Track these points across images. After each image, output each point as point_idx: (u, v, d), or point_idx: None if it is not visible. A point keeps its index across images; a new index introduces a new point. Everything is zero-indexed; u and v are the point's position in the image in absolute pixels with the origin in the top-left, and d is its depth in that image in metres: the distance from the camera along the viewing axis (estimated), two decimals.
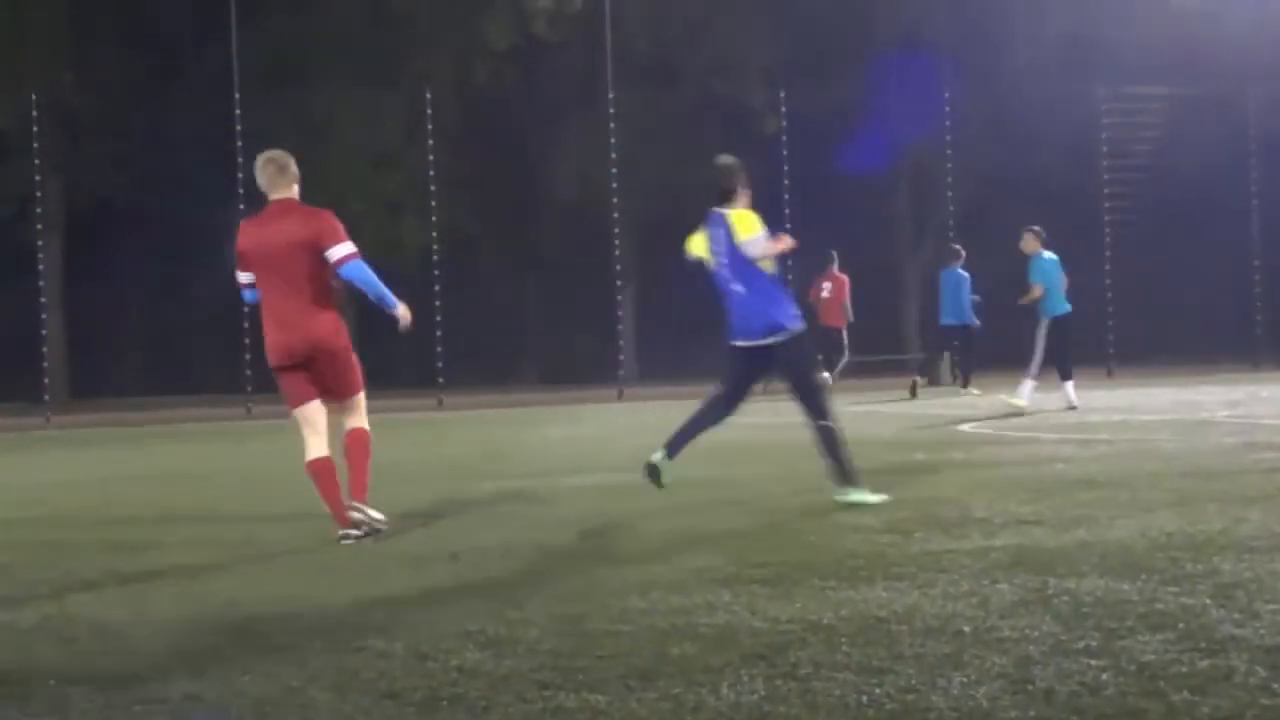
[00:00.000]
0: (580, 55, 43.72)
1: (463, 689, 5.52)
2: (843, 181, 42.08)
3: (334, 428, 10.70)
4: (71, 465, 20.55)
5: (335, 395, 10.75)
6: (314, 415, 10.63)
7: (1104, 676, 5.26)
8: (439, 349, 36.80)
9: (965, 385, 29.24)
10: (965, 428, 19.40)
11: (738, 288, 11.46)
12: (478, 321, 44.15)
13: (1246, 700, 4.90)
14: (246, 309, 11.77)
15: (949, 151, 39.86)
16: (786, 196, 38.08)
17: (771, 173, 37.67)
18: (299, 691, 5.59)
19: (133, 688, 5.75)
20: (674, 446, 11.76)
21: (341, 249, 10.51)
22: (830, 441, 11.22)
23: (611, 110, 37.86)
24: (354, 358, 10.78)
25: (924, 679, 5.32)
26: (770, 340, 11.34)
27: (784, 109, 39.43)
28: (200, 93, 41.37)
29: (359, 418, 10.85)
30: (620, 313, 39.83)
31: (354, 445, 10.79)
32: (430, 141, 37.74)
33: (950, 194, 40.06)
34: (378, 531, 10.34)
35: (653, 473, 11.70)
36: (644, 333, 47.10)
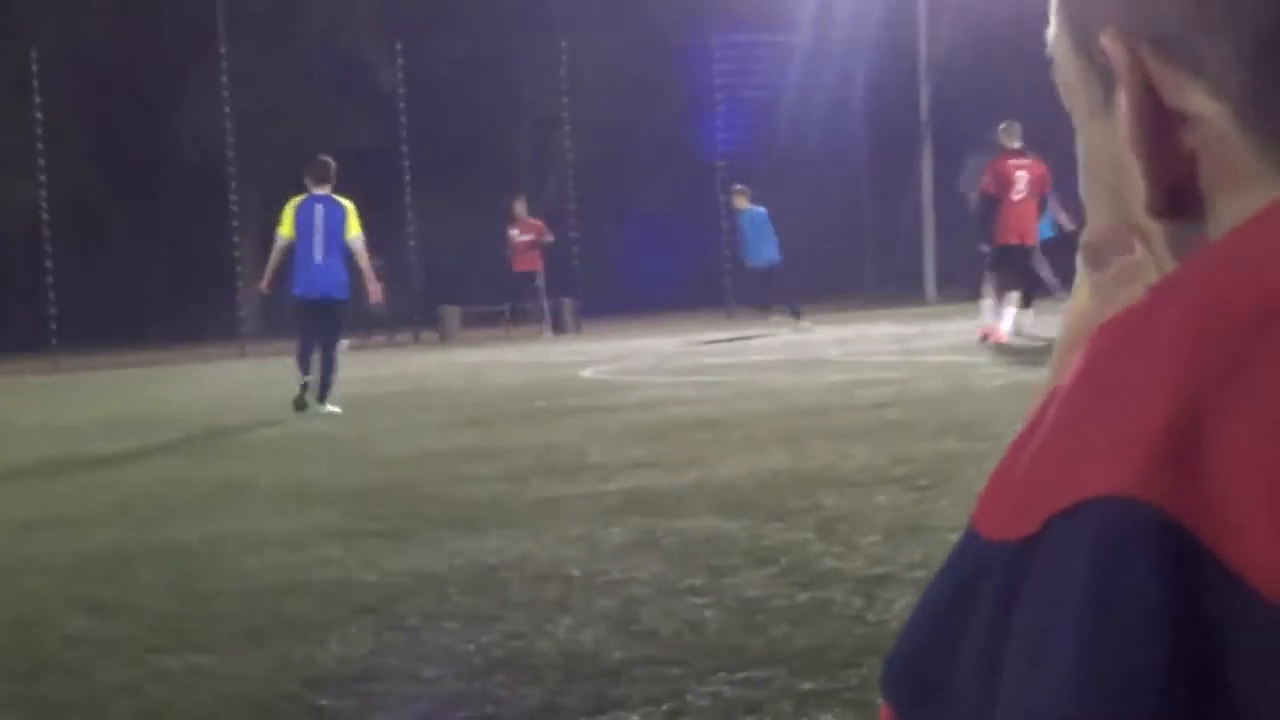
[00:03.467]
0: (195, 8, 42.79)
1: (67, 657, 5.41)
2: (463, 136, 41.98)
3: None
4: None
5: None
6: None
7: (707, 614, 5.37)
8: (52, 310, 35.76)
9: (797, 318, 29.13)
10: (586, 373, 19.57)
11: None
12: (96, 282, 43.00)
13: (842, 630, 5.05)
14: None
15: (565, 100, 40.09)
16: (405, 149, 37.92)
17: (390, 128, 37.53)
18: None
19: None
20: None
21: None
22: None
23: (224, 64, 37.19)
24: None
25: (532, 625, 5.37)
26: None
27: (401, 62, 39.16)
28: None
29: None
30: (239, 269, 39.18)
31: None
32: (37, 99, 36.57)
33: (569, 144, 40.30)
34: None
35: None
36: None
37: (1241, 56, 0.71)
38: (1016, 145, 20.90)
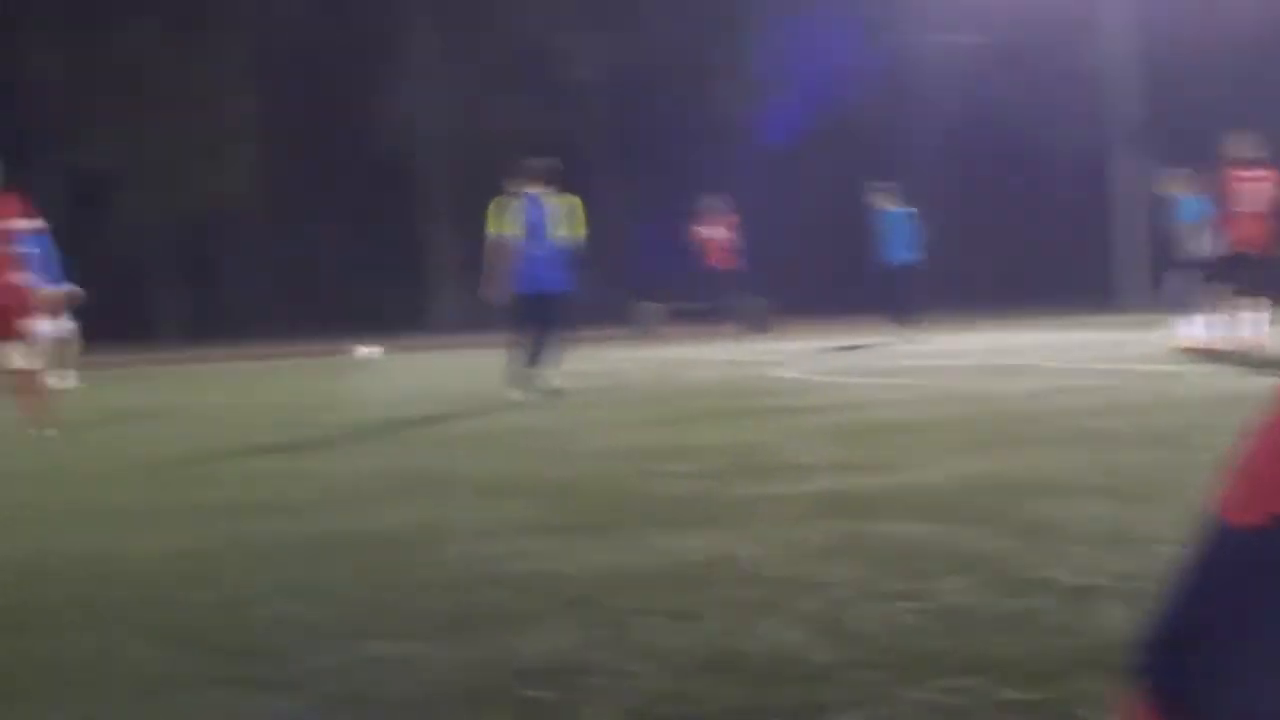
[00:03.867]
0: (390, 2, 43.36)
1: (276, 639, 5.48)
2: (657, 131, 42.05)
3: None
4: None
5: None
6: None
7: (911, 619, 5.33)
8: (249, 295, 36.47)
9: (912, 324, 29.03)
10: (781, 373, 19.54)
11: None
12: (299, 269, 43.74)
13: (1049, 640, 4.98)
14: None
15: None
16: (598, 142, 38.14)
17: (590, 120, 37.76)
18: (109, 644, 5.51)
19: None
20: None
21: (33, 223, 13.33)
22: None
23: (420, 57, 37.64)
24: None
25: (736, 624, 5.37)
26: None
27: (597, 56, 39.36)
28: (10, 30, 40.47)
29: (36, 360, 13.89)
30: (432, 259, 39.61)
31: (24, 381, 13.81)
32: (249, 88, 37.30)
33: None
34: None
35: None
36: (467, 281, 46.92)
37: None
38: (1248, 155, 20.48)
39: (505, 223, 16.41)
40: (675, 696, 4.58)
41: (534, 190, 16.48)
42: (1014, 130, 42.45)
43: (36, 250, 13.54)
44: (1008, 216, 44.34)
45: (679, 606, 5.69)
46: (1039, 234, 44.94)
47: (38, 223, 13.58)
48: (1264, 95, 37.06)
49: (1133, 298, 40.92)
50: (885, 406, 14.01)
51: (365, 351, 25.69)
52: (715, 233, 32.51)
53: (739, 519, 7.69)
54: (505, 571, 6.54)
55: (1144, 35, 41.01)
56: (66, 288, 13.83)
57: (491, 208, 16.63)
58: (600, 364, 23.77)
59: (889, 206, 30.18)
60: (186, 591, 6.40)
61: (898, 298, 29.71)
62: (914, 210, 30.10)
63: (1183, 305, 21.17)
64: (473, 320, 45.17)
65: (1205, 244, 21.03)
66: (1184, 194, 22.31)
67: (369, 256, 46.30)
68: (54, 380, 15.62)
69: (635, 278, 36.96)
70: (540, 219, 16.36)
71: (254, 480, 10.50)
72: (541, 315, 16.37)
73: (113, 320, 36.21)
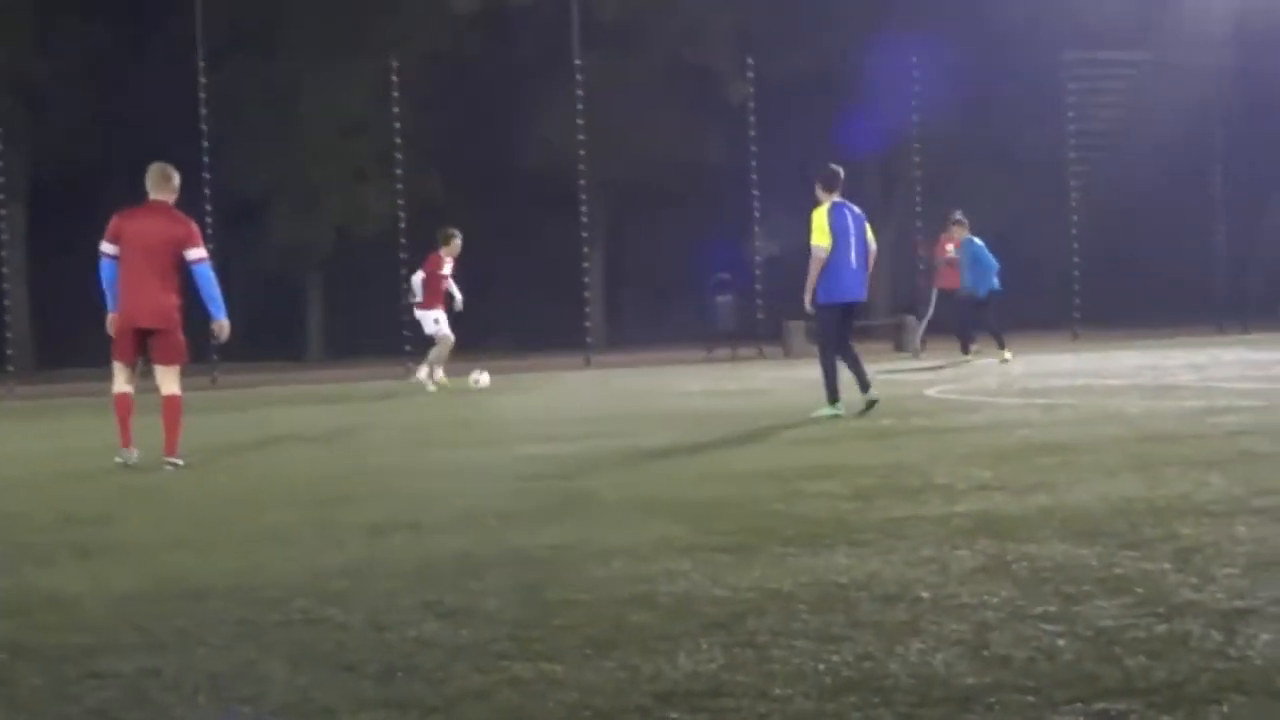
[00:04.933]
0: (547, 20, 43.56)
1: (420, 660, 5.49)
2: (810, 150, 41.98)
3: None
4: (31, 436, 20.45)
5: (160, 360, 13.70)
6: (126, 368, 13.84)
7: (1060, 642, 5.26)
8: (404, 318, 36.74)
9: (1001, 347, 28.65)
10: (931, 392, 19.39)
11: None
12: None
13: (1201, 664, 4.89)
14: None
15: (915, 118, 39.83)
16: (754, 164, 38.07)
17: (739, 140, 37.70)
18: (255, 665, 5.55)
19: (86, 662, 5.70)
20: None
21: (198, 251, 13.64)
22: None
23: (579, 77, 37.74)
24: (182, 336, 13.73)
25: (882, 646, 5.31)
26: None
27: (752, 75, 39.29)
28: (165, 61, 41.16)
29: (173, 384, 13.74)
30: (587, 279, 39.73)
31: (167, 407, 13.69)
32: (396, 109, 37.59)
33: (917, 159, 39.99)
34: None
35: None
36: (611, 300, 47.09)
37: None
38: None
39: (823, 233, 16.07)
40: (821, 719, 4.54)
41: (840, 199, 16.23)
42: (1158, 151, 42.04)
43: (201, 277, 13.62)
44: (1153, 235, 43.86)
45: (822, 628, 5.64)
46: (1188, 255, 44.35)
47: (200, 251, 13.65)
48: None
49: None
50: (1033, 427, 13.85)
51: (476, 377, 25.75)
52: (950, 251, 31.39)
53: (885, 540, 7.62)
54: (649, 592, 6.52)
55: None
56: (219, 320, 13.72)
57: (815, 218, 16.20)
58: (749, 383, 23.74)
59: (968, 236, 29.45)
60: (329, 611, 6.43)
61: (980, 323, 29.24)
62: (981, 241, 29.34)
63: None
64: (620, 339, 45.39)
65: None
66: None
67: (525, 276, 46.64)
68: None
69: (784, 297, 36.97)
70: (852, 228, 16.11)
71: (395, 500, 10.55)
72: (848, 321, 16.39)
73: (261, 338, 36.62)
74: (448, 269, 25.80)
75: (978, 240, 29.16)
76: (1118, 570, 6.50)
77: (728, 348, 39.20)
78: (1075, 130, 40.31)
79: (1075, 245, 39.86)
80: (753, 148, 38.28)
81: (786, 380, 23.62)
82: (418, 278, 26.14)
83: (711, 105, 45.39)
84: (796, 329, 36.27)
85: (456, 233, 25.88)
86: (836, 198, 16.19)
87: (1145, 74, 41.21)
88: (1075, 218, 40.12)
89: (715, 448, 13.32)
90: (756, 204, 38.46)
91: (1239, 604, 5.74)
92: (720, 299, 41.78)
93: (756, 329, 39.05)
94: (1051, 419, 14.58)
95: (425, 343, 26.79)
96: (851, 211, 16.22)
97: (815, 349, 17.13)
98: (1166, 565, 6.57)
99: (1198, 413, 14.43)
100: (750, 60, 39.43)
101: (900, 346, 36.07)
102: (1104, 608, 5.77)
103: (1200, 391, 17.38)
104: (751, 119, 38.58)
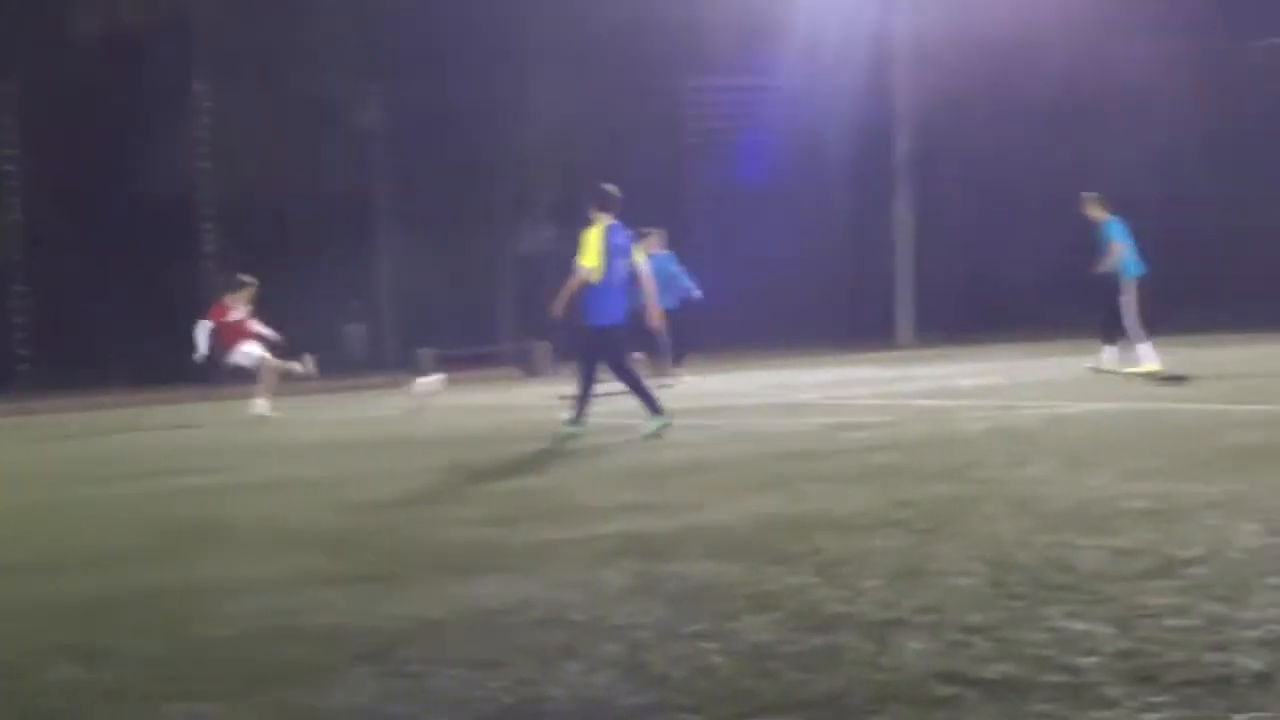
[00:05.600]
0: (170, 49, 42.70)
1: (60, 705, 5.25)
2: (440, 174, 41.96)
3: None
4: None
5: None
6: None
7: (717, 659, 5.25)
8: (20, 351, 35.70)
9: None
10: (567, 415, 19.43)
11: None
12: (63, 321, 42.89)
13: (857, 676, 4.93)
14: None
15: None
16: (382, 190, 37.94)
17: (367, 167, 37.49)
18: None
19: None
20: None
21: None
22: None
23: (204, 104, 37.11)
24: None
25: (539, 670, 5.24)
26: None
27: (377, 104, 39.11)
28: None
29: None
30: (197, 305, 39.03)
31: None
32: (11, 136, 36.49)
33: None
34: None
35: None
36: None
37: None
38: None
39: (593, 254, 15.78)
40: None
41: (614, 221, 16.00)
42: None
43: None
44: (784, 253, 44.79)
45: (478, 655, 5.55)
46: (816, 271, 45.44)
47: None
48: None
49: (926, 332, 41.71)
50: (672, 447, 13.97)
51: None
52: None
53: (534, 563, 7.56)
54: (297, 625, 6.35)
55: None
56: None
57: (588, 238, 15.87)
58: (379, 410, 23.52)
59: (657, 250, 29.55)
60: None
61: (674, 341, 29.31)
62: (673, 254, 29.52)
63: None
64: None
65: None
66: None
67: (138, 306, 45.58)
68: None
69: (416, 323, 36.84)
70: (622, 250, 15.91)
71: (22, 540, 10.16)
72: (620, 343, 16.20)
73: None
74: (236, 315, 24.88)
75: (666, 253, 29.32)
76: (766, 586, 6.55)
77: (357, 376, 38.92)
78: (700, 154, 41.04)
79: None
80: (380, 176, 38.14)
81: (414, 409, 23.48)
82: (205, 327, 24.99)
83: (337, 134, 45.04)
84: (427, 357, 36.07)
85: (249, 281, 25.13)
86: (610, 219, 16.10)
87: (772, 96, 42.23)
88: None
89: (348, 478, 13.12)
90: (382, 231, 38.31)
91: (888, 614, 5.82)
92: (350, 327, 41.44)
93: (386, 358, 38.84)
94: (690, 438, 14.73)
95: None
96: (624, 233, 16.18)
97: (573, 368, 17.02)
98: (813, 579, 6.63)
99: (829, 429, 14.73)
100: (376, 88, 39.25)
101: (533, 372, 36.15)
102: (756, 623, 5.80)
103: (830, 408, 17.76)
104: (380, 146, 38.43)
